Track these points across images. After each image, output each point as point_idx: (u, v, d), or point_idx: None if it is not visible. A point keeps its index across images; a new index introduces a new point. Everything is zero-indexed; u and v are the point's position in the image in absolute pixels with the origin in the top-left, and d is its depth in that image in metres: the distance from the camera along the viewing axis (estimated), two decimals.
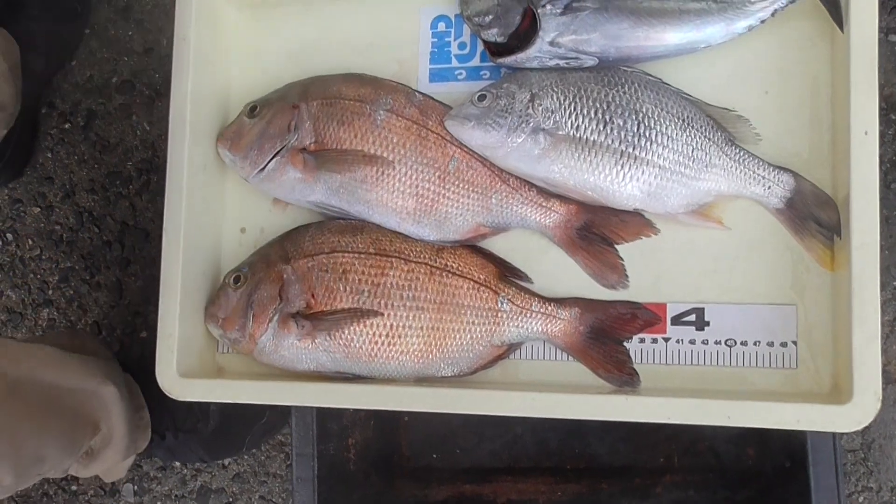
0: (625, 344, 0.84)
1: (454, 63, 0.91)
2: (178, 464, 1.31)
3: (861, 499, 1.14)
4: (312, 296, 0.85)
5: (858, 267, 0.75)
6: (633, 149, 0.81)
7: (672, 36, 0.81)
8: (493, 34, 0.84)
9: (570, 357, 0.86)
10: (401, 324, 0.84)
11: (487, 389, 0.83)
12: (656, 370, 0.84)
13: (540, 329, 0.85)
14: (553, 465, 1.13)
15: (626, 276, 0.84)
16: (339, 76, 0.90)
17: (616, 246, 0.85)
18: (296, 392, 0.86)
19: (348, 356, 0.85)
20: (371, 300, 0.84)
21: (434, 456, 1.16)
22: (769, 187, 0.82)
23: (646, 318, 0.84)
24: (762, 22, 0.81)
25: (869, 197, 0.75)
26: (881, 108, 1.12)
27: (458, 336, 0.85)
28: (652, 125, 0.81)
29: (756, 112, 0.83)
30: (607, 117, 0.81)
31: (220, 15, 0.95)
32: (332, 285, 0.85)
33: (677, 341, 0.84)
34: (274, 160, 0.87)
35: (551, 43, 0.81)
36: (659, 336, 0.84)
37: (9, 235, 1.38)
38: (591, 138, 0.81)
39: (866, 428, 0.75)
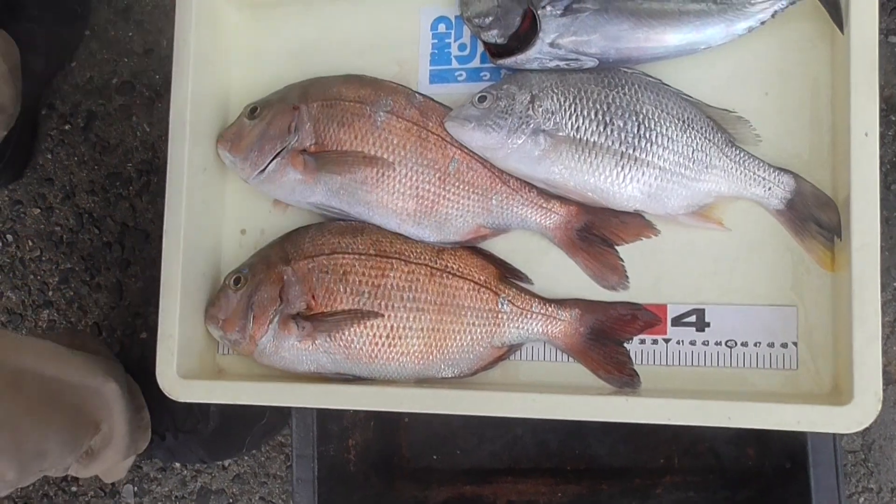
0: (625, 345, 0.84)
1: (454, 64, 0.91)
2: (178, 465, 1.31)
3: (861, 500, 1.14)
4: (313, 297, 0.85)
5: (859, 268, 0.75)
6: (634, 150, 0.81)
7: (672, 37, 0.81)
8: (494, 35, 0.84)
9: (570, 358, 0.86)
10: (401, 325, 0.84)
11: (488, 390, 0.83)
12: (657, 371, 0.84)
13: (540, 330, 0.85)
14: (553, 466, 1.13)
15: (627, 277, 0.84)
16: (340, 77, 0.90)
17: (616, 247, 0.85)
18: (296, 393, 0.86)
19: (349, 357, 0.85)
20: (371, 301, 0.84)
21: (434, 457, 1.16)
22: (769, 188, 0.82)
23: (646, 319, 0.84)
24: (762, 23, 0.81)
25: (869, 198, 0.75)
26: (881, 110, 1.12)
27: (458, 337, 0.85)
28: (652, 126, 0.81)
29: (756, 113, 0.83)
30: (607, 119, 0.81)
31: (221, 16, 0.95)
32: (333, 287, 0.85)
33: (678, 342, 0.84)
34: (274, 161, 0.87)
35: (551, 44, 0.81)
36: (659, 337, 0.84)
37: (9, 237, 1.38)
38: (592, 139, 0.81)
39: (867, 429, 0.75)
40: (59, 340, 1.11)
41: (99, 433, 1.07)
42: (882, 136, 1.10)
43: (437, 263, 0.86)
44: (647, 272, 0.85)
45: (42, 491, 1.35)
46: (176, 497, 1.32)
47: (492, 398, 0.81)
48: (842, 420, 0.74)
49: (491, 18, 0.83)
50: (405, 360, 0.85)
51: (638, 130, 0.81)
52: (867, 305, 0.74)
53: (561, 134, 0.81)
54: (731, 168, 0.82)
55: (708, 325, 0.83)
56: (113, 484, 1.33)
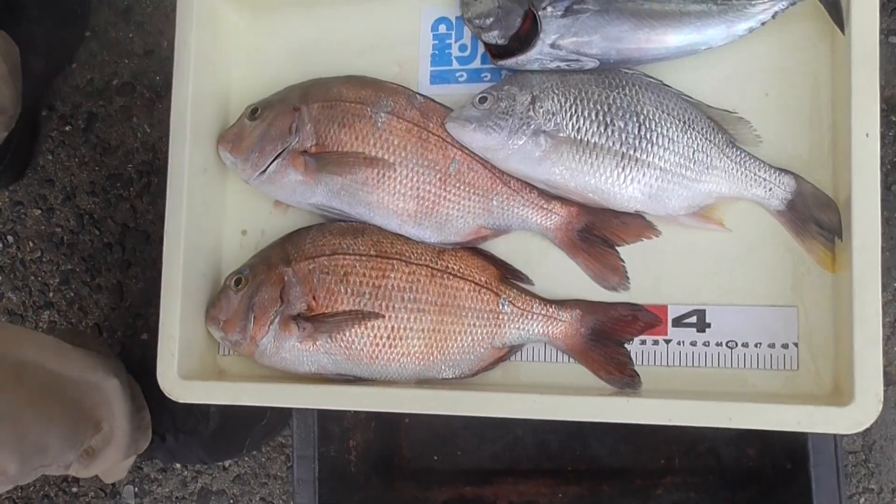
0: (626, 346, 0.84)
1: (455, 65, 0.91)
2: (178, 465, 1.31)
3: (862, 500, 1.14)
4: (314, 298, 0.85)
5: (859, 269, 0.75)
6: (634, 151, 0.81)
7: (673, 38, 0.81)
8: (494, 36, 0.84)
9: (571, 359, 0.86)
10: (402, 326, 0.84)
11: (488, 391, 0.83)
12: (657, 372, 0.84)
13: (541, 331, 0.85)
14: (554, 467, 1.13)
15: (627, 277, 0.84)
16: (340, 78, 0.90)
17: (617, 248, 0.85)
18: (297, 394, 0.86)
19: (349, 358, 0.85)
20: (372, 302, 0.84)
21: (435, 458, 1.16)
22: (770, 189, 0.82)
23: (647, 319, 0.84)
24: (763, 24, 0.81)
25: (870, 199, 0.75)
26: (882, 110, 1.12)
27: (459, 338, 0.85)
28: (653, 127, 0.81)
29: (757, 114, 0.83)
30: (608, 119, 0.81)
31: (221, 17, 0.95)
32: (334, 287, 0.85)
33: (678, 343, 0.84)
34: (275, 162, 0.87)
35: (552, 45, 0.81)
36: (660, 338, 0.84)
37: (9, 238, 1.38)
38: (592, 140, 0.81)
39: (867, 429, 0.75)
40: (61, 338, 1.11)
41: (100, 432, 1.07)
42: (882, 137, 1.10)
43: (437, 264, 0.86)
44: (648, 273, 0.85)
45: (43, 492, 1.35)
46: (176, 498, 1.32)
47: (492, 399, 0.81)
48: (842, 421, 0.74)
49: (492, 19, 0.83)
50: (406, 361, 0.85)
51: (639, 131, 0.81)
52: (868, 306, 0.74)
53: (562, 135, 0.81)
54: (732, 169, 0.82)
55: (709, 325, 0.83)
56: (113, 484, 1.33)
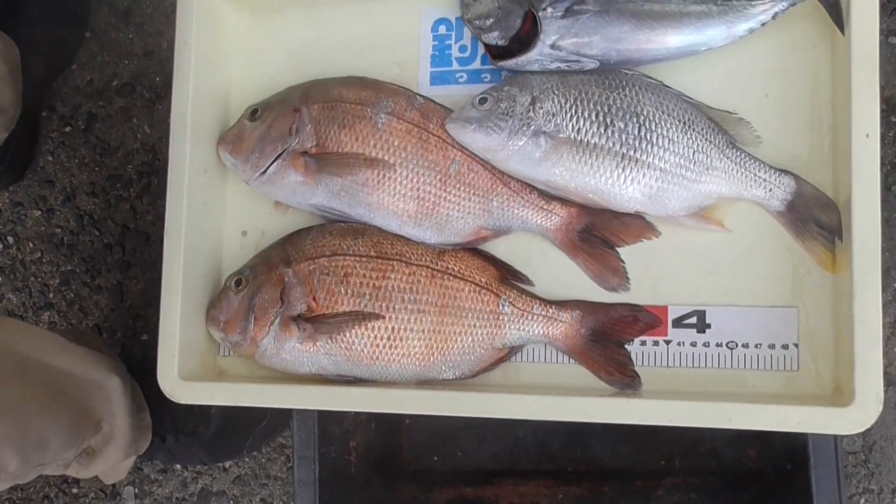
0: (626, 346, 0.84)
1: (455, 66, 0.91)
2: (178, 466, 1.31)
3: (862, 501, 1.14)
4: (314, 299, 0.85)
5: (860, 269, 0.75)
6: (634, 151, 0.81)
7: (673, 39, 0.81)
8: (494, 37, 0.84)
9: (571, 360, 0.86)
10: (402, 327, 0.84)
11: (489, 392, 0.83)
12: (657, 372, 0.84)
13: (541, 332, 0.85)
14: (554, 468, 1.13)
15: (627, 278, 0.84)
16: (340, 79, 0.90)
17: (617, 248, 0.85)
18: (297, 395, 0.86)
19: (350, 359, 0.85)
20: (372, 303, 0.84)
21: (435, 458, 1.16)
22: (770, 190, 0.82)
23: (647, 320, 0.84)
24: (763, 25, 0.81)
25: (870, 199, 0.75)
26: (882, 111, 1.13)
27: (459, 339, 0.85)
28: (653, 128, 0.81)
29: (757, 114, 0.83)
30: (608, 120, 0.81)
31: (221, 18, 0.95)
32: (334, 288, 0.85)
33: (678, 344, 0.84)
34: (275, 163, 0.87)
35: (552, 46, 0.81)
36: (660, 338, 0.84)
37: (9, 238, 1.38)
38: (593, 141, 0.81)
39: (867, 430, 0.74)
40: (63, 336, 1.11)
41: (100, 432, 1.07)
42: (882, 137, 1.10)
43: (438, 265, 0.86)
44: (648, 274, 0.85)
45: (43, 493, 1.35)
46: (177, 499, 1.32)
47: (493, 400, 0.81)
48: (843, 421, 0.74)
49: (492, 20, 0.83)
50: (406, 362, 0.85)
51: (639, 132, 0.81)
52: (868, 307, 0.74)
53: (562, 136, 0.81)
54: (732, 169, 0.82)
55: (709, 326, 0.83)
56: (114, 485, 1.33)
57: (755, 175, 0.82)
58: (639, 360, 0.84)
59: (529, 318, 0.85)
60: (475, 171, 0.86)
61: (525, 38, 0.83)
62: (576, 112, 0.81)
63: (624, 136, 0.81)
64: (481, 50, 0.90)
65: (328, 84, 0.89)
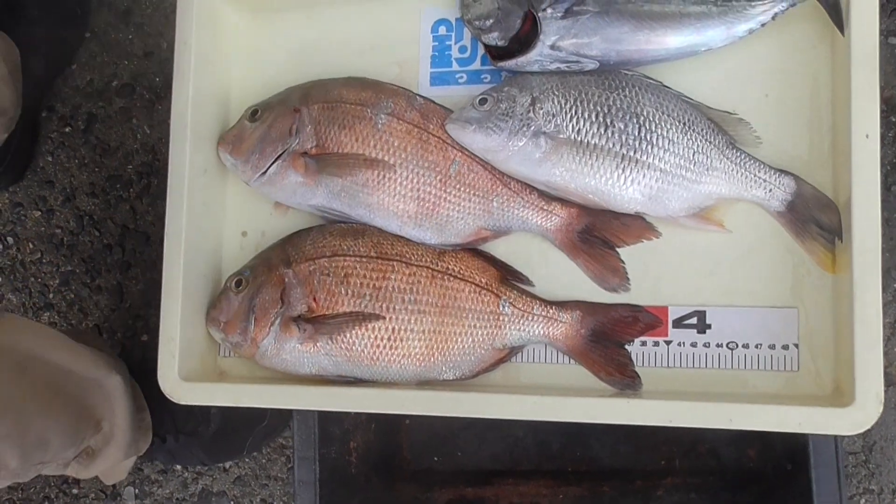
0: (626, 347, 0.84)
1: (455, 67, 0.91)
2: (179, 467, 1.31)
3: (862, 501, 1.14)
4: (314, 299, 0.85)
5: (860, 270, 0.75)
6: (634, 152, 0.81)
7: (673, 39, 0.81)
8: (494, 38, 0.84)
9: (571, 360, 0.86)
10: (402, 327, 0.84)
11: (489, 393, 0.83)
12: (658, 373, 0.84)
13: (541, 332, 0.85)
14: (554, 468, 1.13)
15: (628, 279, 0.84)
16: (340, 80, 0.90)
17: (617, 249, 0.85)
18: (297, 395, 0.86)
19: (350, 360, 0.85)
20: (373, 304, 0.84)
21: (435, 459, 1.16)
22: (770, 190, 0.82)
23: (647, 321, 0.84)
24: (762, 25, 0.81)
25: (870, 200, 0.75)
26: (881, 111, 1.13)
27: (459, 339, 0.85)
28: (653, 128, 0.81)
29: (757, 115, 0.83)
30: (608, 121, 0.81)
31: (221, 18, 0.95)
32: (334, 289, 0.85)
33: (679, 344, 0.84)
34: (275, 164, 0.87)
35: (552, 47, 0.81)
36: (660, 339, 0.84)
37: (9, 239, 1.38)
38: (593, 142, 0.81)
39: (868, 430, 0.74)
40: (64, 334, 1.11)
41: (100, 432, 1.07)
42: (882, 138, 1.10)
43: (438, 266, 0.86)
44: (648, 274, 0.85)
45: (43, 493, 1.35)
46: (177, 499, 1.32)
47: (493, 400, 0.81)
48: (843, 422, 0.74)
49: (492, 21, 0.83)
50: (406, 363, 0.85)
51: (639, 133, 0.81)
52: (868, 307, 0.74)
53: (562, 136, 0.81)
54: (732, 170, 0.82)
55: (709, 326, 0.83)
56: (114, 486, 1.33)
57: (755, 175, 0.82)
58: (639, 361, 0.84)
59: (530, 318, 0.85)
60: (475, 172, 0.86)
61: (525, 39, 0.83)
62: (576, 113, 0.81)
63: (624, 137, 0.81)
64: (481, 50, 0.90)
65: (328, 84, 0.89)
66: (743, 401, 0.77)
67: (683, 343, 0.84)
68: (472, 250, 0.88)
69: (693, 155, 0.81)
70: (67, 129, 1.37)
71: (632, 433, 1.10)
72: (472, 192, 0.86)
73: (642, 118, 0.81)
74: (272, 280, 0.86)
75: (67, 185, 1.37)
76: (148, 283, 1.33)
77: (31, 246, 1.38)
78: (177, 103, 0.90)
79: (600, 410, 0.79)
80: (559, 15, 0.81)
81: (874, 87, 0.76)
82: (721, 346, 0.83)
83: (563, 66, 0.83)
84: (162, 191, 0.92)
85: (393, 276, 0.85)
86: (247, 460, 1.29)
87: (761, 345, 0.82)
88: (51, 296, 1.37)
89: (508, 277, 0.87)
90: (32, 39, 1.27)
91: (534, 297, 0.86)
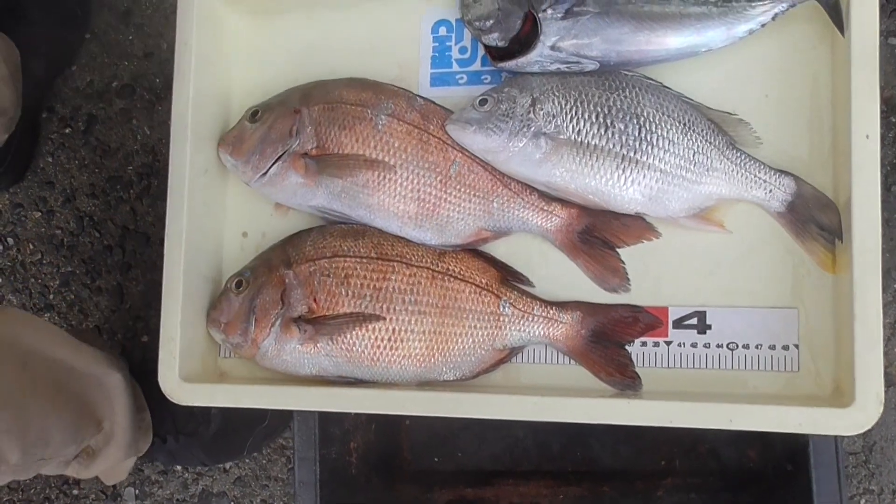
0: (626, 347, 0.84)
1: (455, 67, 0.91)
2: (179, 467, 1.31)
3: (863, 501, 1.14)
4: (314, 300, 0.85)
5: (860, 270, 0.75)
6: (635, 153, 0.81)
7: (673, 40, 0.81)
8: (494, 38, 0.84)
9: (571, 361, 0.86)
10: (403, 328, 0.84)
11: (489, 393, 0.83)
12: (658, 373, 0.84)
13: (542, 333, 0.85)
14: (554, 469, 1.13)
15: (628, 279, 0.85)
16: (341, 81, 0.90)
17: (617, 249, 0.85)
18: (298, 396, 0.86)
19: (350, 360, 0.85)
20: (373, 304, 0.84)
21: (436, 459, 1.16)
22: (770, 191, 0.82)
23: (647, 321, 0.84)
24: (763, 26, 0.81)
25: (870, 200, 0.75)
26: (881, 111, 1.13)
27: (460, 340, 0.85)
28: (653, 129, 0.81)
29: (757, 116, 0.83)
30: (608, 121, 0.81)
31: (222, 19, 0.95)
32: (335, 290, 0.85)
33: (679, 345, 0.84)
34: (276, 165, 0.87)
35: (552, 47, 0.82)
36: (660, 339, 0.84)
37: (10, 240, 1.38)
38: (593, 142, 0.81)
39: (868, 430, 0.74)
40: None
41: (101, 432, 1.07)
42: (882, 138, 1.10)
43: (438, 266, 0.86)
44: (649, 275, 0.85)
45: (44, 494, 1.35)
46: (177, 500, 1.32)
47: (493, 401, 0.81)
48: (843, 422, 0.74)
49: (492, 21, 0.83)
50: (407, 363, 0.85)
51: (639, 133, 0.81)
52: (868, 307, 0.74)
53: (562, 137, 0.81)
54: (732, 170, 0.82)
55: (709, 327, 0.84)
56: (114, 486, 1.33)
57: (755, 176, 0.82)
58: (639, 361, 0.84)
59: (530, 319, 0.85)
60: (475, 173, 0.86)
61: (525, 40, 0.83)
62: (576, 113, 0.81)
63: (624, 138, 0.81)
64: (481, 51, 0.90)
65: (329, 85, 0.89)
66: (743, 401, 0.77)
67: (684, 343, 0.84)
68: (473, 251, 0.88)
69: (693, 155, 0.81)
70: (68, 130, 1.37)
71: (632, 433, 1.10)
72: (472, 192, 0.86)
73: (642, 119, 0.81)
74: (273, 281, 0.86)
75: (68, 185, 1.37)
76: (148, 284, 1.33)
77: (31, 247, 1.38)
78: (177, 104, 0.90)
79: (600, 411, 0.79)
80: (559, 16, 0.81)
81: (874, 88, 0.76)
82: (721, 346, 0.83)
83: (563, 67, 0.83)
84: (162, 192, 0.92)
85: (393, 277, 0.85)
86: (247, 461, 1.29)
87: (761, 345, 0.82)
88: (51, 297, 1.37)
89: (509, 278, 0.87)
90: (33, 40, 1.27)
91: (534, 297, 0.86)
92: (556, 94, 0.82)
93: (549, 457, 1.13)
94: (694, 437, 1.09)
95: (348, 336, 0.84)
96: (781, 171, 0.82)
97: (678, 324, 0.84)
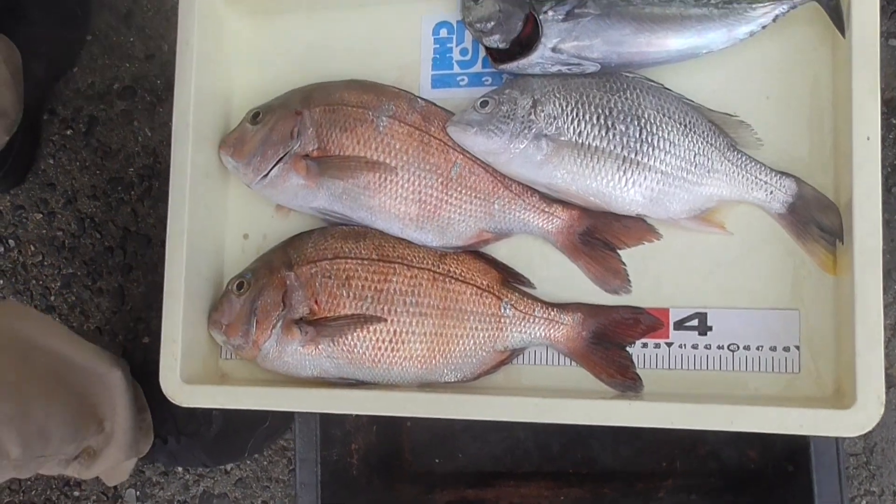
0: (627, 349, 0.84)
1: (456, 69, 0.91)
2: (180, 469, 1.31)
3: (863, 502, 1.14)
4: (316, 302, 0.85)
5: (861, 271, 0.75)
6: (636, 154, 0.81)
7: (674, 42, 0.81)
8: (495, 40, 0.84)
9: (572, 362, 0.86)
10: (404, 330, 0.84)
11: (490, 395, 0.83)
12: (659, 375, 0.84)
13: (543, 334, 0.85)
14: (555, 470, 1.13)
15: (629, 281, 0.85)
16: (342, 82, 0.90)
17: (618, 251, 0.85)
18: (299, 398, 0.86)
19: (351, 362, 0.85)
20: (374, 306, 0.85)
21: (436, 460, 1.16)
22: (771, 192, 0.82)
23: (648, 322, 0.84)
24: (763, 27, 0.81)
25: (871, 201, 0.75)
26: (882, 113, 1.13)
27: (461, 342, 0.85)
28: (654, 131, 0.81)
29: (758, 117, 0.83)
30: (609, 123, 0.81)
31: (223, 21, 0.95)
32: (336, 291, 0.85)
33: (680, 346, 0.84)
34: (277, 166, 0.88)
35: (553, 49, 0.82)
36: (661, 341, 0.84)
37: (11, 241, 1.38)
38: (594, 144, 0.81)
39: (869, 432, 0.74)
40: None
41: (101, 432, 1.07)
42: (883, 139, 1.09)
43: (439, 268, 0.86)
44: (649, 276, 0.85)
45: (45, 495, 1.35)
46: (178, 501, 1.32)
47: (494, 402, 0.81)
48: (844, 423, 0.74)
49: (493, 23, 0.83)
50: (408, 365, 0.85)
51: (640, 135, 0.81)
52: (869, 309, 0.74)
53: (563, 138, 0.81)
54: (733, 172, 0.82)
55: (710, 328, 0.84)
56: (115, 488, 1.33)
57: (756, 177, 0.82)
58: (640, 363, 0.84)
59: (531, 320, 0.85)
60: (476, 174, 0.86)
61: (526, 41, 0.83)
62: (577, 115, 0.82)
63: (625, 139, 0.81)
64: (482, 53, 0.90)
65: (330, 87, 0.90)
66: (744, 402, 0.77)
67: (684, 345, 0.84)
68: (474, 252, 0.88)
69: (694, 157, 0.82)
70: (69, 132, 1.37)
71: (633, 435, 1.10)
72: (473, 194, 0.86)
73: (643, 120, 0.81)
74: (274, 282, 0.86)
75: (69, 187, 1.37)
76: (149, 285, 1.33)
77: (32, 248, 1.38)
78: (178, 106, 0.90)
79: (601, 412, 0.79)
80: (560, 17, 0.81)
81: (875, 89, 0.76)
82: (722, 347, 0.83)
83: (564, 69, 0.83)
84: (163, 193, 0.92)
85: (394, 279, 0.85)
86: (248, 462, 1.29)
87: (762, 346, 0.82)
88: (52, 298, 1.37)
89: (510, 280, 0.87)
90: (33, 42, 1.27)
91: (535, 299, 0.86)
92: (558, 95, 0.82)
93: (550, 458, 1.13)
94: (695, 438, 1.09)
95: (349, 338, 0.84)
96: (782, 173, 0.82)
97: (679, 325, 0.84)
